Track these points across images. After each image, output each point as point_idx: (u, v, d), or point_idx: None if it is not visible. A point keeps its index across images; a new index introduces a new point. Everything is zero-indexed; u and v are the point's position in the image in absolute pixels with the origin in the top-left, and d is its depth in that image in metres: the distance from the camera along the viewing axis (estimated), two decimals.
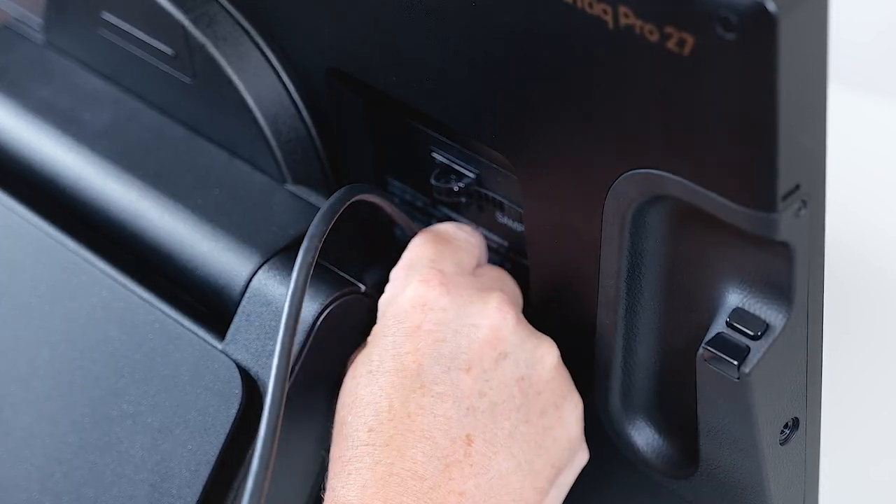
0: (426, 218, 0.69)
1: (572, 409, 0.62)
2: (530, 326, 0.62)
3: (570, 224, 0.59)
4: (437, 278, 0.61)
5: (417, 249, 0.63)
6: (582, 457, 0.62)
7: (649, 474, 0.64)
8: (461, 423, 0.58)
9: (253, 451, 0.60)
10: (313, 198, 0.67)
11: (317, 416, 0.63)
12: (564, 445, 0.61)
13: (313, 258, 0.60)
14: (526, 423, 0.60)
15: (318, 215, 0.61)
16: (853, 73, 1.05)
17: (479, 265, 0.65)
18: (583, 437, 0.62)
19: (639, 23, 0.49)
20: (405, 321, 0.60)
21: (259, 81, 0.67)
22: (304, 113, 0.68)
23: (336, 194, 0.62)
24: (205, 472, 0.61)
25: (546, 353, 0.61)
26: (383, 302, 0.62)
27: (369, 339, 0.61)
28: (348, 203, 0.62)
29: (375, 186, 0.65)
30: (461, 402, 0.59)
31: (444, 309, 0.60)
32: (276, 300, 0.62)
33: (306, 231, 0.65)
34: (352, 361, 0.62)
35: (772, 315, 0.55)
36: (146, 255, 0.67)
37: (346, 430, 0.59)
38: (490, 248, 0.67)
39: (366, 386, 0.60)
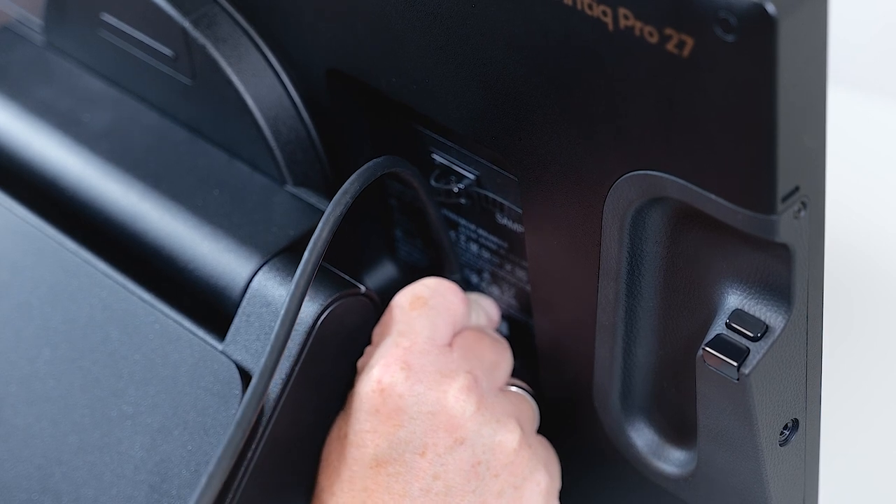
0: (426, 219, 0.69)
1: (533, 487, 0.63)
2: (496, 408, 0.62)
3: (570, 225, 0.59)
4: (399, 363, 0.61)
5: (392, 314, 0.63)
6: None
7: (649, 475, 0.64)
8: (415, 503, 0.60)
9: (253, 452, 0.61)
10: (313, 199, 0.67)
11: (315, 416, 0.63)
12: None
13: (342, 213, 0.61)
14: None
15: (354, 176, 0.62)
16: (853, 73, 1.05)
17: (456, 331, 0.64)
18: None
19: (638, 24, 0.49)
20: (366, 401, 0.61)
21: (259, 83, 0.67)
22: (305, 114, 0.68)
23: (371, 162, 0.63)
24: (204, 472, 0.61)
25: (506, 437, 0.62)
26: (360, 365, 0.63)
27: (350, 398, 0.63)
28: (385, 172, 0.63)
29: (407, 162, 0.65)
30: (414, 483, 0.61)
31: (401, 396, 0.61)
32: (277, 301, 0.62)
33: (306, 232, 0.65)
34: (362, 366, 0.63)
35: (771, 316, 0.55)
36: (146, 256, 0.67)
37: (317, 488, 0.63)
38: (489, 250, 0.67)
39: (334, 451, 0.63)
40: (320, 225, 0.60)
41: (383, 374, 0.61)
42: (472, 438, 0.61)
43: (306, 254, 0.60)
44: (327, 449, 0.63)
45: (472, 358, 0.63)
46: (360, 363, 0.63)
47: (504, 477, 0.62)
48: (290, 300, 0.59)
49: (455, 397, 0.61)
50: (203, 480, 0.57)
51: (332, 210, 0.61)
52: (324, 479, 0.63)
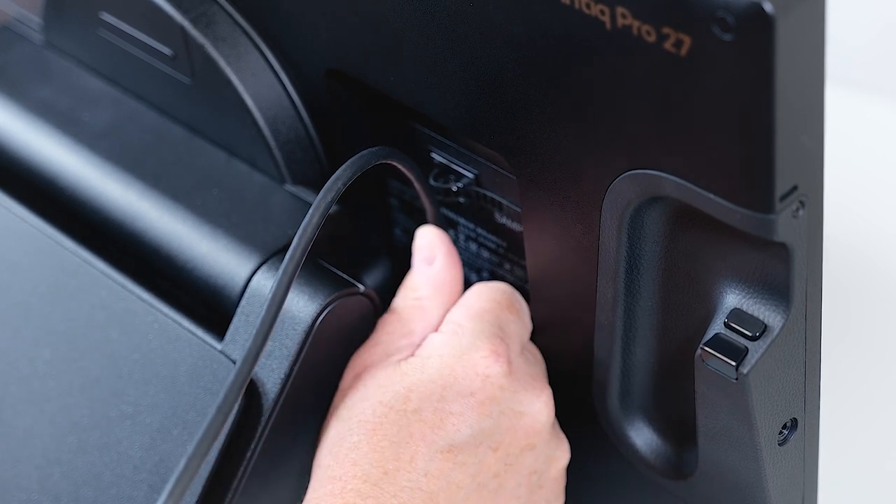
0: (425, 218, 0.69)
1: None
2: (557, 424, 0.64)
3: (569, 225, 0.59)
4: (506, 356, 0.62)
5: (490, 305, 0.63)
6: None
7: (648, 475, 0.64)
8: (467, 496, 0.60)
9: (252, 452, 0.61)
10: (312, 198, 0.67)
11: (314, 415, 0.63)
12: None
13: (333, 199, 0.60)
14: None
15: (347, 163, 0.61)
16: (850, 73, 1.05)
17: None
18: None
19: (636, 23, 0.49)
20: (460, 382, 0.61)
21: (258, 82, 0.67)
22: (304, 113, 0.68)
23: (366, 151, 0.62)
24: (204, 472, 0.61)
25: (563, 454, 0.64)
26: (440, 344, 0.62)
27: (404, 368, 0.61)
28: (378, 162, 0.62)
29: (404, 154, 0.65)
30: (477, 477, 0.61)
31: (502, 388, 0.61)
32: None
33: None
34: (364, 366, 0.62)
35: (770, 316, 0.55)
36: (145, 256, 0.67)
37: (357, 456, 0.59)
38: (488, 248, 0.67)
39: (395, 424, 0.60)
40: (311, 210, 0.60)
41: (491, 363, 0.61)
42: (541, 448, 0.63)
43: (295, 240, 0.59)
44: (364, 415, 0.60)
45: (543, 367, 0.65)
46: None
47: (545, 490, 0.64)
48: (278, 286, 0.59)
49: (543, 405, 0.62)
50: (181, 463, 0.56)
51: (323, 196, 0.60)
52: (368, 450, 0.59)
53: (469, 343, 0.62)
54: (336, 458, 0.59)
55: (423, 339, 0.63)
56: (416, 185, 0.65)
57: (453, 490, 0.60)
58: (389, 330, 0.63)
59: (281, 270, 0.59)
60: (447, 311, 0.64)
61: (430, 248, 0.65)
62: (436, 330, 0.63)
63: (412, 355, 0.62)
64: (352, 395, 0.61)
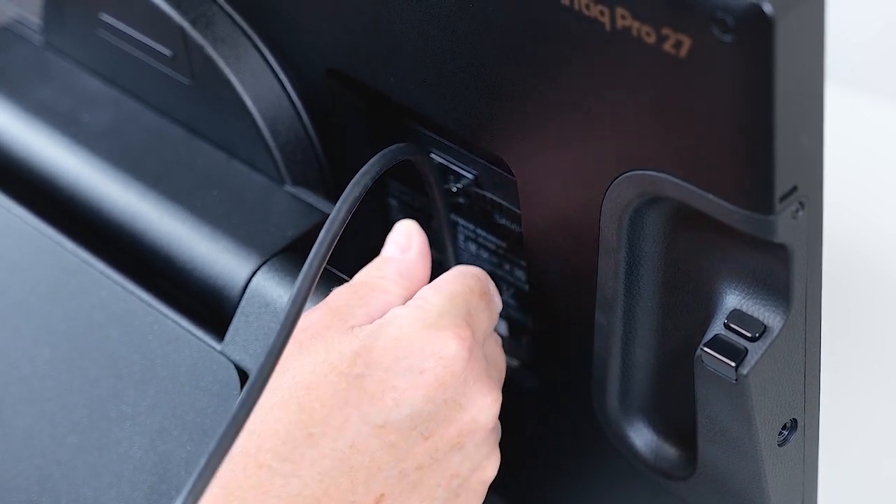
0: (425, 218, 0.69)
1: None
2: (498, 435, 0.61)
3: (568, 225, 0.59)
4: (468, 342, 0.58)
5: (462, 289, 0.60)
6: None
7: (647, 476, 0.64)
8: (385, 480, 0.57)
9: None
10: (312, 199, 0.67)
11: None
12: None
13: (361, 193, 0.59)
14: None
15: (375, 158, 0.60)
16: (850, 73, 1.05)
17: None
18: None
19: (636, 24, 0.49)
20: (414, 356, 0.57)
21: (258, 82, 0.67)
22: (303, 114, 0.68)
23: (392, 147, 0.62)
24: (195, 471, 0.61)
25: (490, 466, 0.60)
26: (402, 315, 0.58)
27: (357, 332, 0.58)
28: (404, 158, 0.62)
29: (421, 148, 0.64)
30: (401, 462, 0.57)
31: (454, 375, 0.57)
32: (276, 301, 0.62)
33: (305, 232, 0.65)
34: (315, 328, 0.58)
35: (770, 316, 0.55)
36: (145, 257, 0.67)
37: (282, 413, 0.55)
38: (488, 249, 0.67)
39: (333, 385, 0.56)
40: (338, 204, 0.59)
41: (450, 344, 0.57)
42: (470, 450, 0.59)
43: (322, 233, 0.58)
44: (303, 372, 0.56)
45: (500, 375, 0.62)
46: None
47: (464, 498, 0.60)
48: (309, 267, 0.56)
49: (488, 406, 0.59)
50: (192, 478, 0.53)
51: (351, 189, 0.59)
52: (296, 408, 0.56)
53: (433, 320, 0.58)
54: (259, 412, 0.55)
55: (382, 313, 0.59)
56: (434, 186, 0.65)
57: (374, 471, 0.56)
58: (346, 299, 0.60)
59: (309, 261, 0.57)
60: (408, 299, 0.60)
61: (408, 238, 0.62)
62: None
63: (369, 323, 0.58)
64: (294, 352, 0.57)
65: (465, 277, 0.60)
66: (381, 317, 0.59)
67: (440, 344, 0.57)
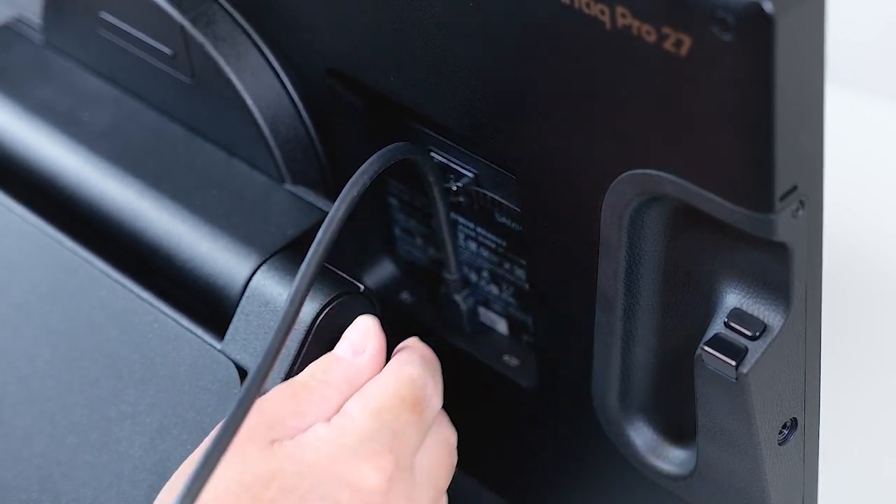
0: (425, 218, 0.69)
1: None
2: None
3: (568, 224, 0.59)
4: (388, 472, 0.55)
5: (392, 402, 0.57)
6: None
7: (648, 475, 0.64)
8: None
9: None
10: (312, 198, 0.67)
11: None
12: None
13: (360, 192, 0.59)
14: None
15: (373, 157, 0.60)
16: (850, 72, 1.05)
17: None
18: None
19: (636, 23, 0.49)
20: (328, 486, 0.55)
21: (258, 81, 0.67)
22: (304, 113, 0.68)
23: (391, 146, 0.61)
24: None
25: None
26: (323, 437, 0.56)
27: (276, 450, 0.55)
28: (404, 157, 0.62)
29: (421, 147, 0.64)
30: None
31: (372, 494, 0.55)
32: (276, 300, 0.62)
33: (305, 231, 0.65)
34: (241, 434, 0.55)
35: (770, 315, 0.55)
36: (145, 255, 0.67)
37: None
38: (488, 248, 0.67)
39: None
40: (337, 202, 0.59)
41: (366, 475, 0.55)
42: None
43: (320, 232, 0.58)
44: (217, 489, 0.54)
45: (439, 480, 0.59)
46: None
47: None
48: (307, 266, 0.56)
49: None
50: (189, 480, 0.53)
51: (349, 188, 0.59)
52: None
53: (353, 446, 0.55)
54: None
55: (311, 425, 0.57)
56: (434, 185, 0.65)
57: None
58: (281, 403, 0.57)
59: (305, 263, 0.57)
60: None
61: (364, 339, 0.60)
62: (328, 419, 0.57)
63: (291, 439, 0.56)
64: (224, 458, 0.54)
65: (398, 385, 0.58)
66: (308, 428, 0.56)
67: (358, 475, 0.55)
